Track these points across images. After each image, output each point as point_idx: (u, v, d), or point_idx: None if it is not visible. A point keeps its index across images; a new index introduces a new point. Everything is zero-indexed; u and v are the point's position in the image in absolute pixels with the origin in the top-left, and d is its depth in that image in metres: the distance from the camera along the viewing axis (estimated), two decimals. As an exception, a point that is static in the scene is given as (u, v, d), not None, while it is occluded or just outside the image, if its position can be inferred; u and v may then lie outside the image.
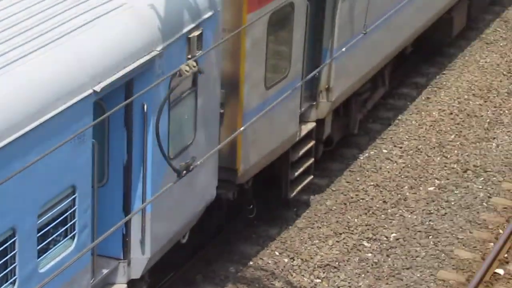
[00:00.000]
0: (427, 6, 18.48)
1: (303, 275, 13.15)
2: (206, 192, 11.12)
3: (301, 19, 13.35)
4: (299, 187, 13.78)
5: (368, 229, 14.26)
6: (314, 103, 14.00)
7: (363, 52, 15.70)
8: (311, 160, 13.99)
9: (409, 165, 15.93)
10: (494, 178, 15.61)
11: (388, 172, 15.61)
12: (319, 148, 14.52)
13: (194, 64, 7.48)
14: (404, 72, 18.92)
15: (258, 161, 12.49)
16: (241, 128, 11.35)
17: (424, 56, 19.39)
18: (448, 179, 15.53)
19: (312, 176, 14.23)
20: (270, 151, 12.77)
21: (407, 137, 16.80)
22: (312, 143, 13.89)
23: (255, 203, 13.11)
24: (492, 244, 13.96)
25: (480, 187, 15.32)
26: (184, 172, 7.45)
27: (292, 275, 13.09)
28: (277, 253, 13.44)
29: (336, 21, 14.42)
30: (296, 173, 13.66)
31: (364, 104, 16.45)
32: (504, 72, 19.55)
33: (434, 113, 17.55)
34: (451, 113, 17.52)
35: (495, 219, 14.54)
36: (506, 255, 13.79)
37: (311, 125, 13.93)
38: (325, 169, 15.66)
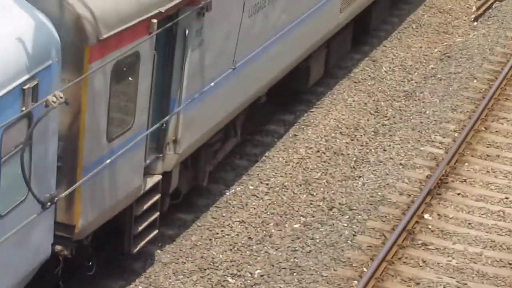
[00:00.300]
0: (282, 55, 18.53)
1: (166, 310, 13.40)
2: (40, 249, 10.86)
3: (147, 69, 13.16)
4: (143, 242, 13.64)
5: (232, 265, 14.42)
6: (161, 155, 13.99)
7: (213, 103, 15.69)
8: (157, 214, 13.98)
9: (275, 202, 16.27)
10: (359, 216, 16.11)
11: (254, 208, 15.88)
12: (165, 201, 14.55)
13: (61, 95, 7.45)
14: (260, 119, 19.13)
15: (98, 216, 12.31)
16: (78, 182, 10.82)
17: (280, 105, 19.68)
18: (313, 217, 15.92)
19: (157, 231, 14.20)
20: (111, 205, 12.61)
21: (273, 174, 17.21)
22: (157, 196, 13.85)
23: (95, 260, 12.84)
24: (356, 282, 14.39)
25: (345, 225, 15.75)
26: (49, 204, 7.43)
27: (155, 310, 13.36)
28: (141, 288, 13.86)
29: (185, 71, 14.25)
30: (140, 228, 13.58)
31: (215, 155, 16.64)
32: (371, 111, 20.41)
33: (301, 151, 18.01)
34: (318, 151, 18.05)
35: (359, 257, 14.97)
36: (369, 294, 14.63)
37: (157, 178, 13.90)
38: (191, 204, 15.86)
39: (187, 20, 13.87)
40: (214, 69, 15.12)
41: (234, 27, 15.40)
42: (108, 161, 10.21)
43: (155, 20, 12.91)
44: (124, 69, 12.80)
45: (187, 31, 14.11)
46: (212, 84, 13.54)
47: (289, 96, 20.23)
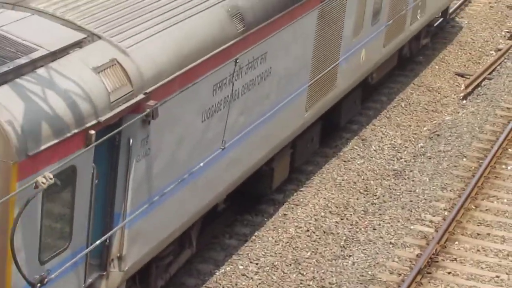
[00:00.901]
0: (242, 158, 17.65)
1: None
2: None
3: (85, 183, 12.34)
4: None
5: None
6: (104, 273, 13.17)
7: (163, 214, 14.84)
8: None
9: (265, 282, 16.17)
10: (350, 296, 16.41)
11: (244, 288, 16.22)
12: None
13: (51, 176, 7.50)
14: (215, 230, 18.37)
15: None
16: None
17: (239, 211, 19.03)
18: (304, 297, 16.19)
19: None
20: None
21: (263, 253, 17.11)
22: None
23: None
24: None
25: (335, 304, 15.99)
26: (39, 285, 7.53)
27: None
28: None
29: (129, 183, 13.41)
30: None
31: (167, 269, 15.94)
32: (361, 190, 20.40)
33: (290, 230, 17.94)
34: (308, 230, 17.99)
35: (352, 337, 14.91)
36: None
37: (100, 299, 13.63)
38: (181, 284, 15.87)
39: (131, 128, 13.14)
40: (163, 178, 14.51)
41: (186, 133, 14.93)
42: (38, 285, 10.00)
43: (93, 131, 12.28)
44: (59, 185, 11.65)
45: (131, 141, 13.38)
46: (161, 194, 13.18)
47: (250, 202, 19.55)
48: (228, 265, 16.45)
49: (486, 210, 20.63)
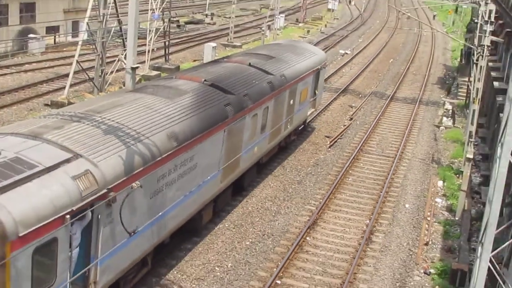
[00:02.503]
0: (182, 212, 20.31)
1: None
2: None
3: (65, 246, 14.35)
4: None
5: None
6: None
7: (123, 254, 16.78)
8: None
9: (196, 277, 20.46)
10: None
11: None
12: None
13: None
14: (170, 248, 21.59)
15: None
16: None
17: (180, 241, 22.36)
18: None
19: None
20: None
21: (191, 264, 21.42)
22: None
23: None
24: None
25: None
26: None
27: None
28: None
29: (99, 238, 15.60)
30: None
31: (131, 280, 18.07)
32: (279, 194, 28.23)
33: (215, 246, 22.83)
34: (233, 243, 23.09)
35: None
36: None
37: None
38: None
39: (99, 209, 14.96)
40: (122, 234, 16.19)
41: (139, 207, 16.99)
42: None
43: (68, 216, 13.77)
44: (44, 250, 13.38)
45: (99, 215, 15.23)
46: (120, 244, 15.61)
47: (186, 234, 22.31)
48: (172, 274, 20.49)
49: (342, 194, 29.38)
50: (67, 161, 14.77)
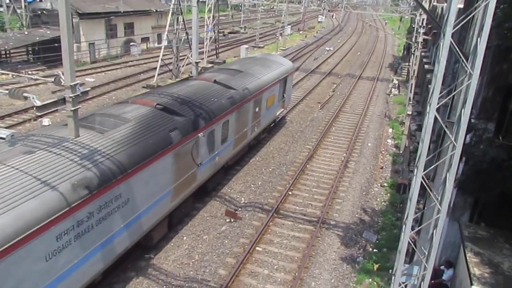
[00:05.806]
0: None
1: None
2: None
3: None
4: None
5: None
6: None
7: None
8: None
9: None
10: None
11: None
12: None
13: None
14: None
15: None
16: None
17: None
18: None
19: None
20: None
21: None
22: None
23: None
24: None
25: None
26: None
27: None
28: None
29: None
30: None
31: None
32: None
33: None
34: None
35: None
36: None
37: None
38: None
39: None
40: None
41: (27, 276, 13.82)
42: None
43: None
44: None
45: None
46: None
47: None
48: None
49: (329, 138, 32.31)
50: None
